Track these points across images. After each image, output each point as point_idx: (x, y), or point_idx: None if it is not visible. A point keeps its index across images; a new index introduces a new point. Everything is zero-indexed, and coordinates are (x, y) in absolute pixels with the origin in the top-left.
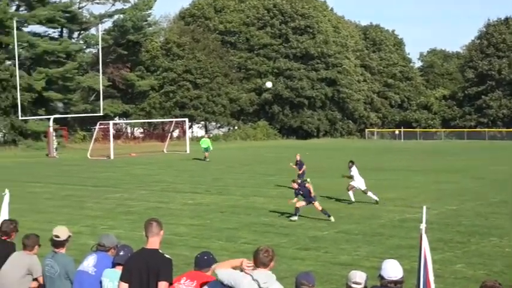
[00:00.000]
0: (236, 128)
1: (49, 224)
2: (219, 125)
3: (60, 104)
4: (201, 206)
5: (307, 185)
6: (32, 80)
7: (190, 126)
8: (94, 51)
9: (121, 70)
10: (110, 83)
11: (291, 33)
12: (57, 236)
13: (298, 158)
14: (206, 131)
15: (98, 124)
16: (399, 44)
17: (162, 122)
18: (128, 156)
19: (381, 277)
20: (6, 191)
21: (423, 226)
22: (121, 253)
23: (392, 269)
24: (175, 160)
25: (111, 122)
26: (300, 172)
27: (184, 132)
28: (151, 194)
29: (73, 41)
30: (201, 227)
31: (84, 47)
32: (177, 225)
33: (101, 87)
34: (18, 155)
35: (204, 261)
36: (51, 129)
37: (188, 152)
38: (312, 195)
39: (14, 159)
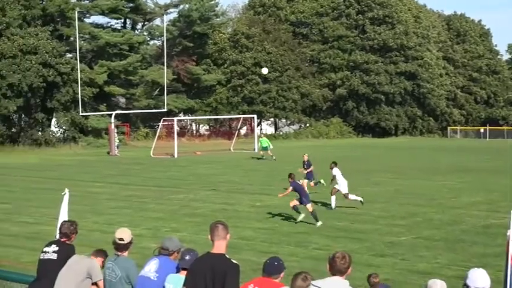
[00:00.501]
0: (307, 125)
1: (109, 226)
2: (289, 122)
3: (122, 99)
4: (269, 208)
5: (301, 182)
6: (94, 73)
7: (259, 123)
8: (158, 43)
9: (186, 63)
10: (175, 77)
11: (368, 24)
12: (121, 239)
13: (305, 158)
14: (276, 129)
15: (162, 120)
16: (485, 34)
17: (229, 118)
18: (192, 155)
19: (466, 287)
20: (66, 190)
21: (510, 232)
22: (186, 257)
23: (479, 279)
24: (242, 159)
25: (175, 119)
26: (306, 172)
27: (252, 130)
28: (217, 195)
29: (136, 32)
30: (270, 231)
31: (148, 38)
32: (244, 228)
33: (165, 82)
34: (78, 153)
35: (274, 267)
36: (112, 125)
37: (256, 150)
38: (304, 195)
39: (74, 157)
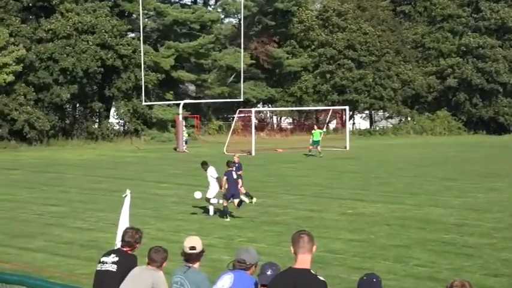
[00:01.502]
0: (409, 119)
1: (175, 234)
2: (387, 115)
3: (191, 87)
4: (362, 216)
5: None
6: (159, 56)
7: (351, 117)
8: (234, 22)
9: (267, 45)
10: (253, 61)
11: (483, 1)
12: (192, 248)
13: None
14: (371, 123)
15: (237, 112)
16: None
17: (316, 110)
18: (272, 152)
19: None
20: (127, 192)
21: None
22: (268, 272)
23: None
24: (331, 158)
25: (253, 110)
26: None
27: (343, 124)
28: (300, 200)
29: (209, 8)
30: (363, 243)
31: (223, 16)
32: (333, 239)
33: (242, 66)
34: (141, 149)
35: (372, 284)
36: (180, 117)
37: (348, 148)
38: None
39: (135, 154)
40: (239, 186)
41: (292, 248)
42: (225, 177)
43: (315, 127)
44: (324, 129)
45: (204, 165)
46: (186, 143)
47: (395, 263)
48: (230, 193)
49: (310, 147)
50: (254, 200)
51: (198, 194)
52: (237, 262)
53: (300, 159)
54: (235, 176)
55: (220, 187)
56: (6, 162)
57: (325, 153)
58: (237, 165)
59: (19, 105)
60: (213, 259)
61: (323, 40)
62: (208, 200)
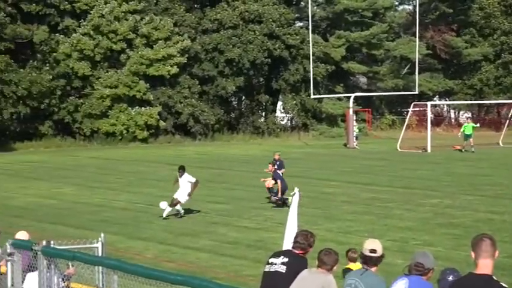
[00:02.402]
0: None
1: (345, 236)
2: None
3: (363, 79)
4: None
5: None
6: (329, 47)
7: None
8: (409, 9)
9: (444, 34)
10: (429, 52)
11: None
12: (373, 251)
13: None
14: None
15: (412, 106)
16: None
17: (497, 104)
18: (450, 149)
19: None
20: (295, 190)
21: None
22: (449, 278)
23: None
24: None
25: (428, 103)
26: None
27: None
28: (480, 201)
29: None
30: None
31: (397, 3)
32: None
33: (417, 57)
34: (309, 144)
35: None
36: (350, 111)
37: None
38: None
39: (303, 150)
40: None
41: (472, 253)
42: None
43: (468, 120)
44: (478, 124)
45: (181, 170)
46: (356, 138)
47: None
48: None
49: (464, 143)
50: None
51: (163, 204)
52: (414, 266)
53: (480, 157)
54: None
55: (190, 193)
56: (170, 157)
57: (508, 151)
58: (278, 163)
59: (184, 98)
60: (386, 263)
61: (505, 28)
62: (172, 205)
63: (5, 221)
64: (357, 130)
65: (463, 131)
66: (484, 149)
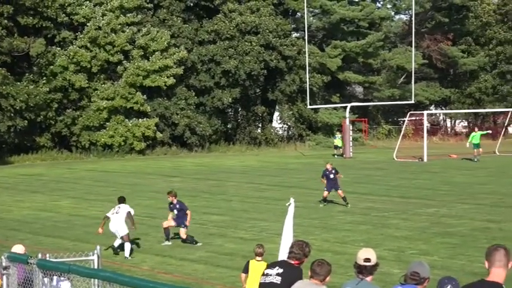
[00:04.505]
0: None
1: (342, 246)
2: None
3: (359, 89)
4: None
5: None
6: (325, 57)
7: None
8: (405, 19)
9: (440, 43)
10: (425, 61)
11: None
12: (367, 260)
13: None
14: None
15: (408, 115)
16: None
17: (493, 112)
18: (446, 158)
19: None
20: (291, 200)
21: None
22: (448, 287)
23: None
24: (511, 165)
25: (425, 113)
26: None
27: None
28: (477, 210)
29: (378, 5)
30: None
31: (393, 13)
32: None
33: (413, 66)
34: (306, 155)
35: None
36: (347, 121)
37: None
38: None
39: (300, 160)
40: None
41: (486, 262)
42: None
43: (476, 129)
44: (486, 131)
45: (120, 199)
46: (336, 148)
47: None
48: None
49: (475, 152)
50: None
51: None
52: (410, 276)
53: (476, 166)
54: None
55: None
56: (167, 169)
57: (504, 159)
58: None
59: (180, 109)
60: (382, 272)
61: (501, 38)
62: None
63: (1, 234)
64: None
65: (471, 141)
66: (482, 157)
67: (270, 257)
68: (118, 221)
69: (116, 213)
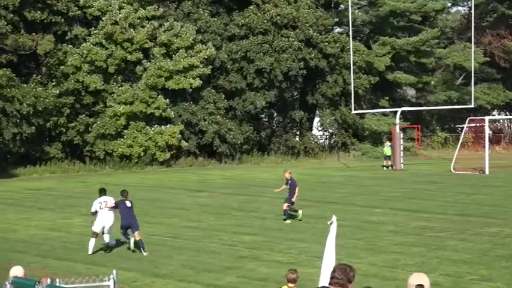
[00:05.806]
0: None
1: (391, 271)
2: None
3: (411, 91)
4: None
5: None
6: (372, 55)
7: None
8: (463, 11)
9: (504, 39)
10: (487, 59)
11: None
12: (420, 286)
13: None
14: None
15: (467, 121)
16: None
17: None
18: (511, 170)
19: None
20: (333, 218)
21: None
22: None
23: None
24: None
25: (486, 118)
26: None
27: None
28: None
29: None
30: None
31: (449, 4)
32: None
33: (473, 65)
34: (350, 166)
35: None
36: (397, 128)
37: None
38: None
39: (344, 172)
40: None
41: None
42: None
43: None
44: None
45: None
46: (389, 158)
47: None
48: None
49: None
50: None
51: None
52: None
53: None
54: None
55: None
56: (193, 182)
57: None
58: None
59: (208, 114)
60: None
61: None
62: (103, 233)
63: (4, 256)
64: (389, 149)
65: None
66: None
67: (309, 283)
68: (106, 215)
69: (102, 208)
